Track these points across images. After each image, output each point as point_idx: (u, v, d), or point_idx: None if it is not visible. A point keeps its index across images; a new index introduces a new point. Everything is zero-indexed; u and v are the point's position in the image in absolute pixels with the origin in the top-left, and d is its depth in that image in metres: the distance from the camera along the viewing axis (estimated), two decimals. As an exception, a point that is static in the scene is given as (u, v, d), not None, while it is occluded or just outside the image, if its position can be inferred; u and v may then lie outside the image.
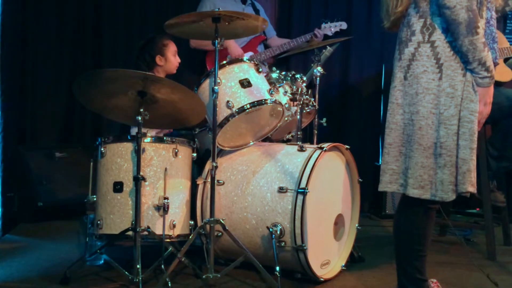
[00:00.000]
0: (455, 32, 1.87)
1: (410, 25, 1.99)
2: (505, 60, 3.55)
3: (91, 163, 2.80)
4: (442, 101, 1.92)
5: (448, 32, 1.91)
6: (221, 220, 2.52)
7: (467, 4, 1.83)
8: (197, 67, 4.26)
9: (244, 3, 4.21)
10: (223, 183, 2.74)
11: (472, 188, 1.93)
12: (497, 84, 3.09)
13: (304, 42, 4.15)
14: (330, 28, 4.26)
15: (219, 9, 2.45)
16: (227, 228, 2.53)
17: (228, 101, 2.64)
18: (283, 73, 3.00)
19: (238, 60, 2.80)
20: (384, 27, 2.12)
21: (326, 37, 4.25)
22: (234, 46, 4.03)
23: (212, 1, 4.00)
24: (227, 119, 2.64)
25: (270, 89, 2.76)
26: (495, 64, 2.01)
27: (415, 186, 1.97)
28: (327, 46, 3.52)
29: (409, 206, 2.06)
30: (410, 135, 1.99)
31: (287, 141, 3.23)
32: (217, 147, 2.65)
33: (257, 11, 4.23)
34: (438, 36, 1.93)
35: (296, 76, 3.00)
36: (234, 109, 2.63)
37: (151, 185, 2.60)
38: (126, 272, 2.44)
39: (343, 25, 4.31)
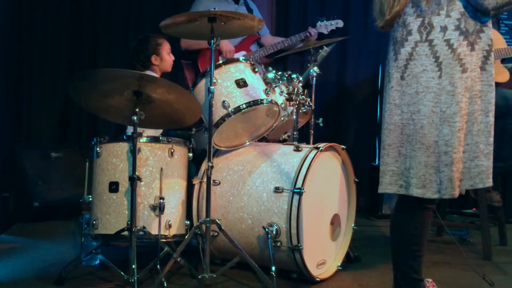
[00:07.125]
0: None
1: (406, 25, 1.99)
2: (502, 61, 3.55)
3: (87, 163, 2.79)
4: (443, 99, 1.92)
5: (446, 30, 1.91)
6: (217, 220, 2.52)
7: None
8: (192, 66, 4.24)
9: (237, 2, 4.09)
10: (219, 183, 2.74)
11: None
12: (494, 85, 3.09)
13: (298, 41, 4.11)
14: (326, 26, 4.20)
15: (215, 9, 2.44)
16: (223, 228, 2.53)
17: (224, 101, 2.64)
18: (279, 73, 2.99)
19: (234, 60, 2.79)
20: (377, 26, 2.09)
21: (322, 37, 4.22)
22: (224, 42, 3.96)
23: (204, 3, 3.90)
24: (223, 119, 2.63)
25: (266, 89, 2.75)
26: None
27: (418, 186, 1.96)
28: (324, 46, 3.52)
29: (406, 206, 2.06)
30: (411, 134, 1.98)
31: (283, 141, 3.23)
32: (213, 147, 2.65)
33: (250, 11, 4.14)
34: (436, 35, 1.92)
35: (293, 76, 3.00)
36: (230, 109, 2.63)
37: (147, 185, 2.59)
38: (122, 272, 2.44)
39: (339, 23, 4.25)
